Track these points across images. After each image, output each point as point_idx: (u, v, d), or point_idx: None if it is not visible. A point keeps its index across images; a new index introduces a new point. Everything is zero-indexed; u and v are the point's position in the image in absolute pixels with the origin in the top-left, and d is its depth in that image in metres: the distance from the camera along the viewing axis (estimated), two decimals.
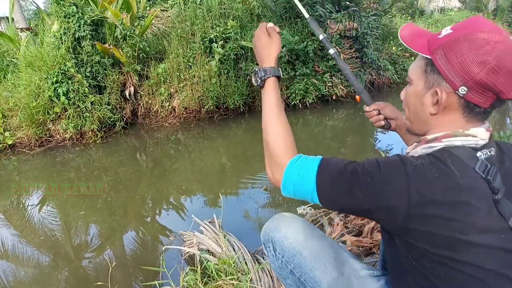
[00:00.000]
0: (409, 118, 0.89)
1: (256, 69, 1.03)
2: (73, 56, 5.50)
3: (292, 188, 0.87)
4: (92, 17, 5.54)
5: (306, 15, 1.27)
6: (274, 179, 0.91)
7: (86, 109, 5.38)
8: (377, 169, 0.76)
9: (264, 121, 0.98)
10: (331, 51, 1.24)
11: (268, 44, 1.05)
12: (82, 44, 5.55)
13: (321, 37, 1.24)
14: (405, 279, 0.81)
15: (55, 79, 5.26)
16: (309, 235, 0.98)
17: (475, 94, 0.75)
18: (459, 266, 0.71)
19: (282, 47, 5.86)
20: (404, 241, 0.76)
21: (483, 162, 0.74)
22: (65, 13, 5.41)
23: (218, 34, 5.91)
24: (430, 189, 0.72)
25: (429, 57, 0.79)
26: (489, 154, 0.77)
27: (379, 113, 1.25)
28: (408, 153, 0.86)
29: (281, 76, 1.05)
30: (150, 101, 6.11)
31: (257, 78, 1.01)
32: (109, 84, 5.75)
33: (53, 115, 5.37)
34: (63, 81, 5.29)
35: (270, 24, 1.08)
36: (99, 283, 2.14)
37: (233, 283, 1.73)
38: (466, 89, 0.75)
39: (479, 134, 0.77)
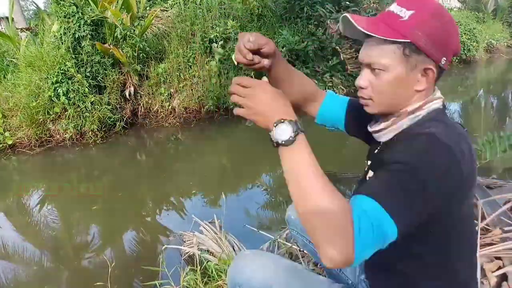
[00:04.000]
0: (380, 103, 0.86)
1: (281, 122, 0.74)
2: (73, 56, 5.50)
3: (370, 249, 0.67)
4: (92, 17, 5.53)
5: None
6: (341, 256, 0.64)
7: (86, 109, 5.38)
8: (429, 165, 0.71)
9: (301, 189, 0.70)
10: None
11: (280, 94, 0.80)
12: (82, 44, 5.55)
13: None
14: (395, 267, 0.86)
15: (55, 79, 5.26)
16: (276, 267, 0.97)
17: (447, 61, 0.83)
18: (456, 221, 0.80)
19: (282, 47, 5.85)
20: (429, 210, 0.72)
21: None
22: (65, 13, 5.41)
23: (218, 34, 5.91)
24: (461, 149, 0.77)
25: (403, 40, 0.79)
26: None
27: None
28: (380, 129, 0.89)
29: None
30: (150, 101, 6.10)
31: (286, 133, 0.72)
32: (109, 84, 5.75)
33: (53, 115, 5.37)
34: (63, 81, 5.29)
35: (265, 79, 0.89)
36: (99, 283, 2.13)
37: None
38: (445, 59, 0.82)
39: (440, 94, 0.87)
